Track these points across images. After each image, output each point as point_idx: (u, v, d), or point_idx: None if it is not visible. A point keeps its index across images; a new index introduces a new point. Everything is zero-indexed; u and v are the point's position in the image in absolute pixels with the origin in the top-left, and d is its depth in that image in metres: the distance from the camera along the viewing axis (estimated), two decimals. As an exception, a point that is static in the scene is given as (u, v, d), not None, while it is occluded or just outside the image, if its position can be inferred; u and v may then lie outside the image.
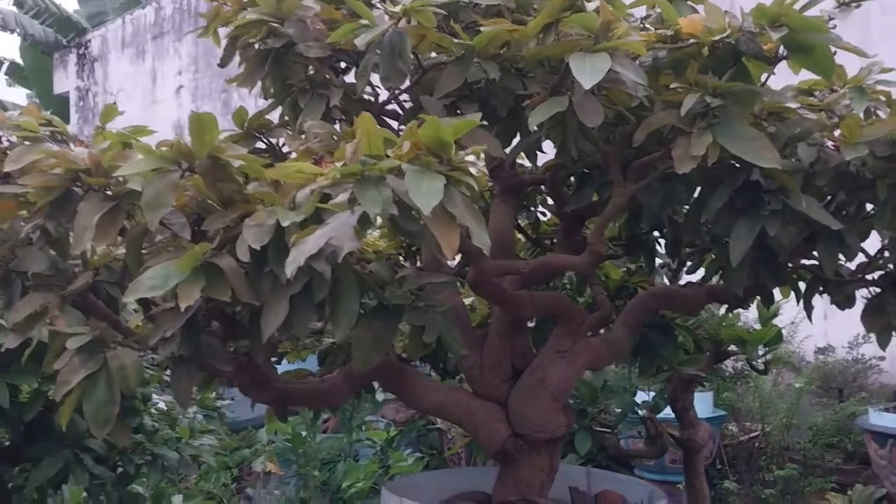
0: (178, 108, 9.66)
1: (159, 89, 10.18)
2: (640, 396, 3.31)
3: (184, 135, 1.32)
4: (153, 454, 2.41)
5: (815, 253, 1.89)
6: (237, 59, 1.69)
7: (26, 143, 1.44)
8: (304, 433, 3.42)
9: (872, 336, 5.66)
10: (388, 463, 3.35)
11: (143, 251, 1.38)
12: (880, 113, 1.54)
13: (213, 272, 1.19)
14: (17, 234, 1.41)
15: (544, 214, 2.32)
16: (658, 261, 2.32)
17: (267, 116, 1.76)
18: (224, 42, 1.71)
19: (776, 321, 3.09)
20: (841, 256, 1.84)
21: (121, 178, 1.29)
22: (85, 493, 2.59)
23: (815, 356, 5.31)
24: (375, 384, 2.41)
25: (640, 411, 3.04)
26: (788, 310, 3.35)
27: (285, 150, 1.72)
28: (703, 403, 4.41)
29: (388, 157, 1.08)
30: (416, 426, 4.21)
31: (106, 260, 1.66)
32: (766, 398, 5.03)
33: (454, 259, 1.10)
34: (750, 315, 3.26)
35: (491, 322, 1.87)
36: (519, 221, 2.32)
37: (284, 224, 1.14)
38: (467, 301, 2.34)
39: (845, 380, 5.11)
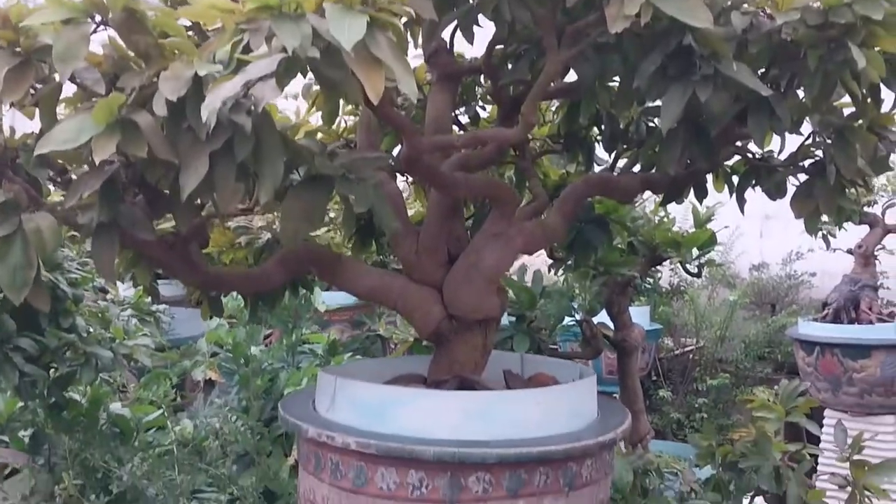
0: None
1: None
2: (577, 303, 3.36)
3: None
4: (86, 353, 2.37)
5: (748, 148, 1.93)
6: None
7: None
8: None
9: (805, 252, 5.83)
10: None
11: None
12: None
13: (130, 127, 1.15)
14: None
15: (484, 109, 2.30)
16: (596, 168, 2.34)
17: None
18: None
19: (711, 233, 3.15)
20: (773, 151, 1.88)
21: (30, 32, 1.22)
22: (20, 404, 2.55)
23: (749, 273, 5.47)
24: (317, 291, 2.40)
25: (576, 315, 3.09)
26: (725, 227, 3.43)
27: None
28: (640, 317, 4.51)
29: (309, -2, 1.04)
30: (359, 339, 4.24)
31: (26, 139, 1.59)
32: (702, 313, 5.20)
33: (378, 99, 1.05)
34: (687, 224, 3.33)
35: (427, 208, 1.85)
36: (459, 118, 2.30)
37: (202, 73, 1.09)
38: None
39: (778, 295, 5.29)
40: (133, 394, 3.36)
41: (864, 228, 4.26)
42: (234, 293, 2.46)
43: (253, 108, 1.11)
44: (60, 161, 1.42)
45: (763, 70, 1.52)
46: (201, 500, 2.75)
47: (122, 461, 2.51)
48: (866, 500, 2.65)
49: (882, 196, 4.17)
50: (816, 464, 3.82)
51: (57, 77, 1.22)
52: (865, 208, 4.21)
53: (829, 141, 1.76)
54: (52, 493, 2.01)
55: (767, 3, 1.39)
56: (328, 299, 4.41)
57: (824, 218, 4.49)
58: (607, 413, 1.69)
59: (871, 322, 4.15)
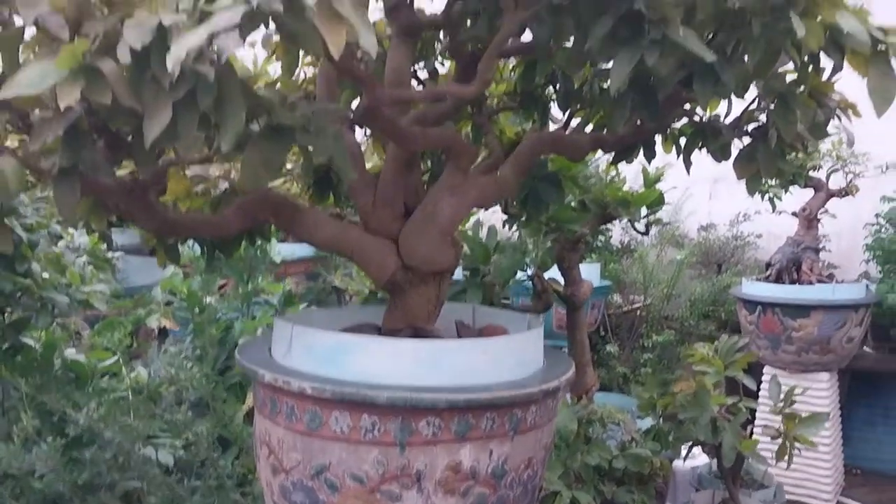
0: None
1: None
2: (530, 259, 3.44)
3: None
4: (42, 298, 2.38)
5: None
6: None
7: None
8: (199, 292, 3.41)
9: (752, 214, 5.96)
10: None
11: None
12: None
13: (94, 74, 1.16)
14: None
15: (442, 65, 2.33)
16: (552, 126, 2.39)
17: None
18: None
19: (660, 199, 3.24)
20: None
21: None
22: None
23: (698, 233, 5.62)
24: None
25: (528, 269, 3.17)
26: (674, 188, 3.52)
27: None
28: (590, 274, 4.63)
29: (273, -48, 1.06)
30: (315, 290, 4.28)
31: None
32: (650, 271, 5.34)
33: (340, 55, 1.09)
34: (638, 185, 3.42)
35: (385, 162, 1.89)
36: (418, 73, 2.33)
37: (166, 23, 1.11)
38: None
39: (724, 255, 5.45)
40: (88, 341, 3.37)
41: (809, 192, 4.41)
42: (190, 242, 2.47)
43: (216, 58, 1.13)
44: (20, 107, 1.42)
45: (711, 35, 1.58)
46: (156, 444, 2.79)
47: (79, 405, 2.54)
48: (795, 450, 2.80)
49: (827, 161, 4.31)
50: (753, 417, 4.01)
51: (18, 21, 1.23)
52: (811, 173, 4.36)
53: (771, 106, 1.83)
54: (9, 433, 2.04)
55: (716, -28, 1.44)
56: (284, 251, 4.44)
57: (771, 182, 4.62)
58: (552, 362, 1.77)
59: (811, 283, 4.32)
